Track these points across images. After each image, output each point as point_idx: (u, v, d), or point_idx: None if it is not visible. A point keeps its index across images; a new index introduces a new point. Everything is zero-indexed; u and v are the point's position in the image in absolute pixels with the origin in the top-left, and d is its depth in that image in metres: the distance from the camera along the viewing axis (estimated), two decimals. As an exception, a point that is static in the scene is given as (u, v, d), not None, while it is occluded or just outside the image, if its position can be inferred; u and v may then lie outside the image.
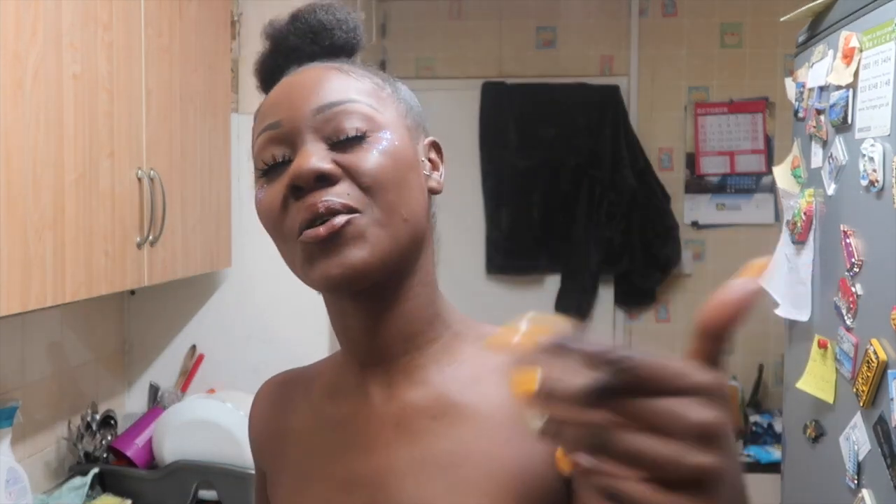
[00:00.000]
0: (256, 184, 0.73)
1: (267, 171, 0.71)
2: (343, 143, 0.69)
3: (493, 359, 0.73)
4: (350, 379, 0.77)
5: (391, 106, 0.74)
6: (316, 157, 0.67)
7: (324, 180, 0.67)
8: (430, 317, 0.76)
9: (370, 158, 0.68)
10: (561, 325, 0.43)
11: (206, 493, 1.93)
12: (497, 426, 0.70)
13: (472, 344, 0.76)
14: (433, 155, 0.81)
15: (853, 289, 1.51)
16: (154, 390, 2.28)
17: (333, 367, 0.82)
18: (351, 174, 0.68)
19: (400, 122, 0.74)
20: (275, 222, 0.70)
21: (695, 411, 0.38)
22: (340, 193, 0.66)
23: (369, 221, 0.67)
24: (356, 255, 0.66)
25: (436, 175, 0.79)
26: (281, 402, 0.86)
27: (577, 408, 0.39)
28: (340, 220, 0.66)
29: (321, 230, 0.65)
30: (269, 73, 0.80)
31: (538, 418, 0.41)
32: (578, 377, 0.39)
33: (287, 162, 0.70)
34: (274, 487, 0.81)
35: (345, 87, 0.72)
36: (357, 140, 0.69)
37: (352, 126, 0.69)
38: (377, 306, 0.73)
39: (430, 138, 0.81)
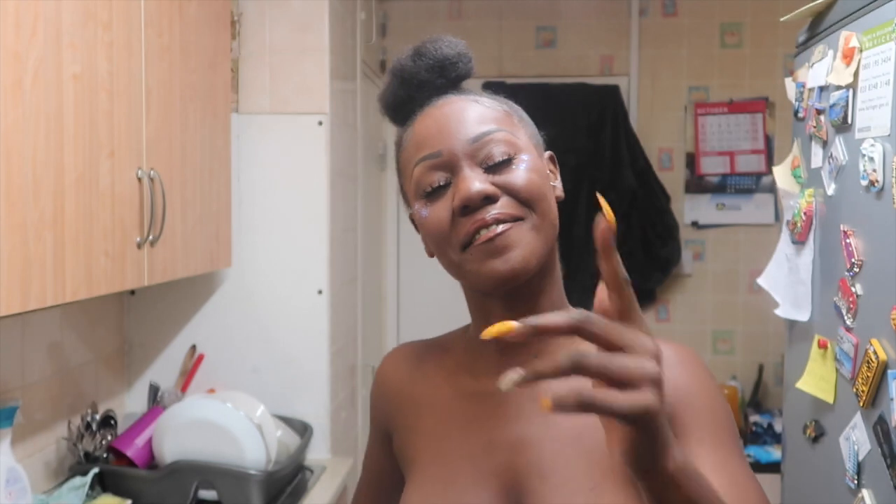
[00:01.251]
0: (415, 202, 0.87)
1: (429, 194, 0.85)
2: (495, 167, 0.84)
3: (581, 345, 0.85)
4: (489, 360, 0.90)
5: (521, 129, 0.89)
6: (478, 180, 0.82)
7: (488, 199, 0.82)
8: (559, 308, 0.89)
9: (520, 176, 0.83)
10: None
11: (206, 493, 1.93)
12: None
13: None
14: (552, 166, 0.94)
15: (853, 289, 1.51)
16: (154, 390, 2.28)
17: (468, 346, 0.94)
18: (508, 191, 0.83)
19: (530, 142, 0.89)
20: (444, 235, 0.84)
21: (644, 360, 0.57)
22: (504, 206, 0.82)
23: (528, 226, 0.83)
24: (518, 255, 0.81)
25: (558, 184, 0.93)
26: (414, 371, 0.98)
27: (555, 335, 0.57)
28: (504, 226, 0.81)
29: (492, 235, 0.81)
30: (400, 105, 0.92)
31: (513, 374, 0.55)
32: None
33: (446, 185, 0.84)
34: (405, 446, 0.94)
35: (487, 118, 0.86)
36: (506, 163, 0.84)
37: (500, 151, 0.84)
38: (521, 300, 0.86)
39: (549, 152, 0.94)
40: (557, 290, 0.90)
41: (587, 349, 0.82)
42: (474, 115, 0.86)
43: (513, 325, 0.56)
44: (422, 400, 0.94)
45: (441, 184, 0.84)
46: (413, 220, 0.91)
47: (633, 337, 0.57)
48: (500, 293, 0.85)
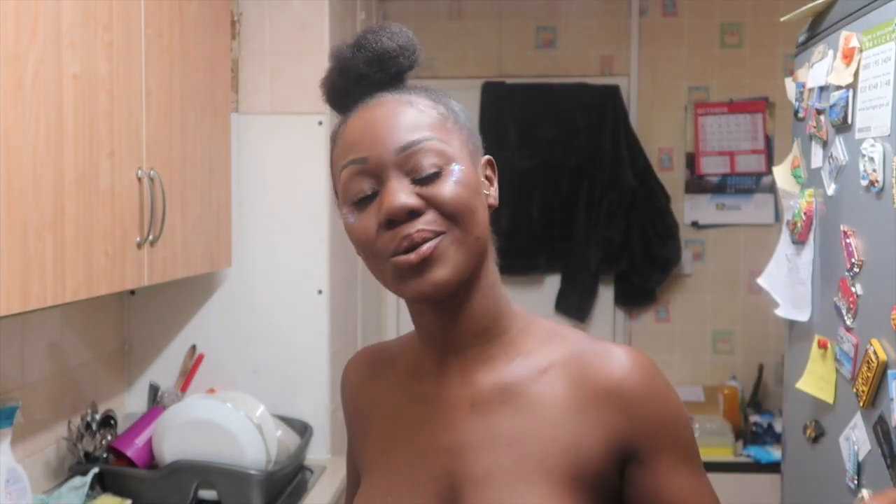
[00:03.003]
0: (343, 208, 0.85)
1: (356, 203, 0.83)
2: (425, 179, 0.81)
3: (555, 353, 0.88)
4: (431, 364, 0.90)
5: (455, 136, 0.86)
6: (404, 193, 0.80)
7: (413, 213, 0.80)
8: (496, 314, 0.89)
9: (447, 190, 0.81)
10: None
11: (206, 493, 1.93)
12: (557, 412, 0.84)
13: (536, 338, 0.89)
14: (489, 172, 0.92)
15: (853, 289, 1.51)
16: (154, 390, 2.28)
17: (414, 350, 0.94)
18: (434, 204, 0.81)
19: (464, 149, 0.86)
20: (368, 245, 0.83)
21: None
22: (428, 222, 0.80)
23: (450, 241, 0.81)
24: (441, 274, 0.80)
25: (493, 191, 0.90)
26: (370, 374, 0.98)
27: None
28: (428, 247, 0.80)
29: (413, 257, 0.80)
30: (340, 96, 0.89)
31: None
32: None
33: (373, 195, 0.82)
34: (360, 449, 0.95)
35: (419, 125, 0.83)
36: (434, 176, 0.81)
37: (429, 163, 0.82)
38: (451, 309, 0.86)
39: (486, 157, 0.92)
40: (489, 293, 0.89)
41: (571, 348, 0.88)
42: (406, 121, 0.83)
43: None
44: (375, 404, 0.95)
45: (368, 193, 0.82)
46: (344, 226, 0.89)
47: None
48: (430, 305, 0.86)
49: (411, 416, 0.89)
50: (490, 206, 0.88)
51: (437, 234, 0.80)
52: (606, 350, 0.87)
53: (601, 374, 0.85)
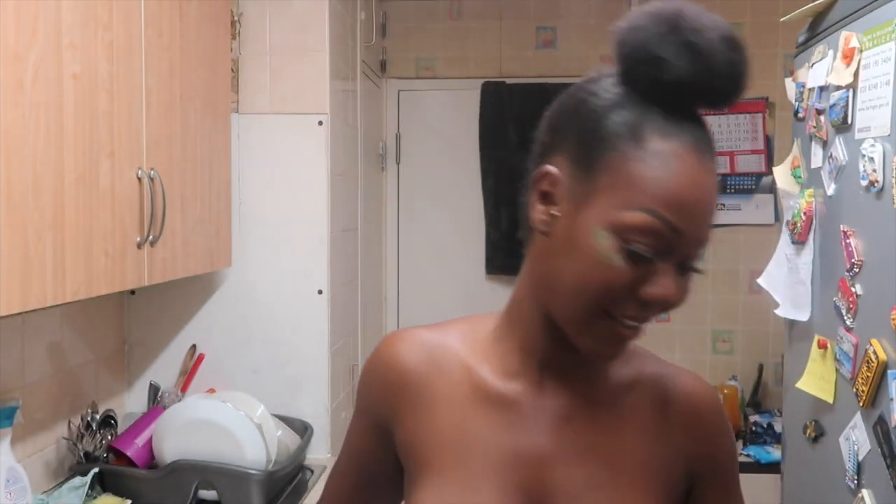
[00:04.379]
0: (606, 227, 0.73)
1: (631, 253, 0.73)
2: (689, 269, 0.77)
3: (638, 372, 0.88)
4: (522, 369, 0.85)
5: None
6: (679, 287, 0.76)
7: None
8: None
9: (688, 291, 0.78)
10: None
11: (206, 493, 1.93)
12: (645, 431, 0.84)
13: (630, 355, 0.88)
14: None
15: (853, 289, 1.51)
16: (154, 390, 2.28)
17: (488, 342, 0.88)
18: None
19: None
20: (606, 291, 0.74)
21: None
22: (667, 312, 0.81)
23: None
24: (623, 348, 0.80)
25: None
26: (428, 362, 0.89)
27: None
28: (642, 330, 0.78)
29: (627, 333, 0.77)
30: (679, 89, 0.72)
31: None
32: None
33: (648, 259, 0.73)
34: (415, 442, 0.87)
35: (715, 205, 0.77)
36: (693, 270, 0.78)
37: (699, 257, 0.78)
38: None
39: None
40: None
41: (650, 368, 0.89)
42: (714, 208, 0.76)
43: None
44: (437, 394, 0.86)
45: (648, 256, 0.72)
46: (570, 232, 0.76)
47: None
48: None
49: (492, 418, 0.84)
50: None
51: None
52: (684, 376, 0.89)
53: (682, 401, 0.87)
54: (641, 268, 0.73)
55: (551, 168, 0.77)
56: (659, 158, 0.72)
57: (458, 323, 0.93)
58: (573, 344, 0.80)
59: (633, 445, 0.83)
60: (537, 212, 0.79)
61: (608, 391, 0.86)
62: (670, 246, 0.73)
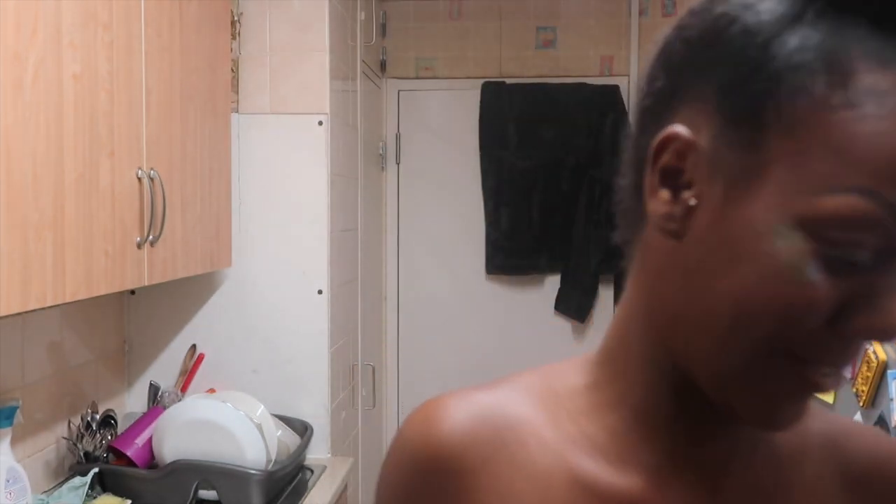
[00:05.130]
0: (797, 242, 0.45)
1: (832, 252, 0.45)
2: None
3: (812, 427, 0.59)
4: (645, 445, 0.55)
5: None
6: None
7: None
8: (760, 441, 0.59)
9: None
10: None
11: (206, 493, 1.93)
12: (834, 499, 0.57)
13: None
14: None
15: (853, 289, 1.51)
16: (154, 390, 2.28)
17: (598, 418, 0.57)
18: None
19: None
20: (794, 322, 0.46)
21: None
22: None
23: None
24: (805, 409, 0.51)
25: None
26: (491, 444, 0.56)
27: None
28: (839, 379, 0.49)
29: (825, 382, 0.48)
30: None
31: None
32: None
33: (866, 269, 0.45)
34: None
35: None
36: None
37: None
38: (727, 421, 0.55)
39: None
40: None
41: (818, 425, 0.59)
42: None
43: None
44: (511, 494, 0.55)
45: (865, 262, 0.44)
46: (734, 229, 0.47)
47: None
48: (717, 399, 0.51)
49: None
50: None
51: None
52: (869, 436, 0.61)
53: (875, 472, 0.58)
54: (851, 282, 0.45)
55: (681, 130, 0.49)
56: (879, 103, 0.43)
57: (524, 379, 0.60)
58: (722, 408, 0.52)
59: None
60: (659, 201, 0.51)
61: (772, 468, 0.57)
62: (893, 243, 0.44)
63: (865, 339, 0.47)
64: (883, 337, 0.46)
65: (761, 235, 0.46)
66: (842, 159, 0.44)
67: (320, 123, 2.34)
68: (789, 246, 0.45)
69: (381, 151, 3.47)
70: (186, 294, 2.34)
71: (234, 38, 2.31)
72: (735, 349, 0.48)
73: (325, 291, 2.35)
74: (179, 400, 2.21)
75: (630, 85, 3.45)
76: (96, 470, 1.89)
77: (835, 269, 0.45)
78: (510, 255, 3.42)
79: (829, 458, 0.58)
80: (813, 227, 0.44)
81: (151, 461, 2.03)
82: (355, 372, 2.79)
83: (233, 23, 2.29)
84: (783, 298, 0.45)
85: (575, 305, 3.38)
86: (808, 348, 0.46)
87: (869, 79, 0.43)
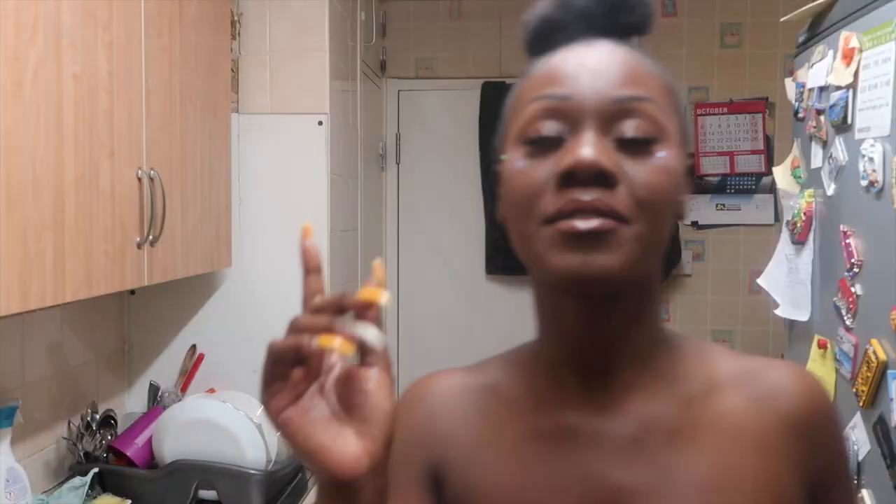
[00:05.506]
0: (512, 149, 0.67)
1: (533, 142, 0.65)
2: (629, 144, 0.64)
3: (716, 371, 0.72)
4: (563, 387, 0.71)
5: (675, 116, 0.68)
6: (602, 152, 0.62)
7: (601, 179, 0.61)
8: (655, 332, 0.73)
9: (652, 170, 0.63)
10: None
11: (206, 493, 1.93)
12: (737, 444, 0.68)
13: (690, 356, 0.74)
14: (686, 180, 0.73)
15: (853, 289, 1.51)
16: (154, 390, 2.28)
17: (530, 370, 0.74)
18: (628, 181, 0.62)
19: (679, 136, 0.67)
20: (529, 200, 0.64)
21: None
22: (618, 200, 0.62)
23: (632, 235, 0.62)
24: (605, 260, 0.62)
25: (685, 199, 0.71)
26: (466, 405, 0.76)
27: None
28: (605, 224, 0.61)
29: (580, 224, 0.61)
30: (546, 32, 0.71)
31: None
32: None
33: (557, 141, 0.64)
34: (467, 498, 0.72)
35: (643, 80, 0.66)
36: (643, 144, 0.64)
37: (643, 128, 0.64)
38: (614, 317, 0.68)
39: (689, 161, 0.75)
40: (657, 311, 0.74)
41: (729, 364, 0.72)
42: (628, 70, 0.66)
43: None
44: (481, 441, 0.73)
45: (551, 135, 0.64)
46: (499, 176, 0.70)
47: None
48: (574, 298, 0.67)
49: (546, 456, 0.69)
50: (679, 217, 0.70)
51: (619, 218, 0.62)
52: (777, 370, 0.72)
53: (783, 400, 0.70)
54: (549, 158, 0.64)
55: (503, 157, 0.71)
56: (538, 66, 0.69)
57: (496, 358, 0.80)
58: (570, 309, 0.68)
59: (727, 467, 0.67)
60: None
61: (683, 401, 0.70)
62: (568, 116, 0.64)
63: (568, 179, 0.62)
64: (576, 168, 0.62)
65: (502, 167, 0.69)
66: (522, 99, 0.68)
67: (320, 123, 2.34)
68: (508, 158, 0.67)
69: (381, 151, 3.47)
70: (186, 294, 2.34)
71: (234, 38, 2.31)
72: (523, 241, 0.66)
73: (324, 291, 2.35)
74: (179, 400, 2.21)
75: (630, 85, 3.45)
76: (96, 470, 1.89)
77: (537, 151, 0.65)
78: (510, 255, 3.36)
79: (744, 387, 0.71)
80: (519, 139, 0.66)
81: (151, 461, 2.03)
82: (355, 372, 2.78)
83: (233, 23, 2.29)
84: (517, 189, 0.66)
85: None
86: (552, 210, 0.63)
87: (535, 64, 0.70)
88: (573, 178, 0.62)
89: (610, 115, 0.64)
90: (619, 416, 0.69)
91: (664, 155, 0.64)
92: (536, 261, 0.65)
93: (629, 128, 0.64)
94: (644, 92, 0.65)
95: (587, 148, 0.62)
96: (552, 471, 0.69)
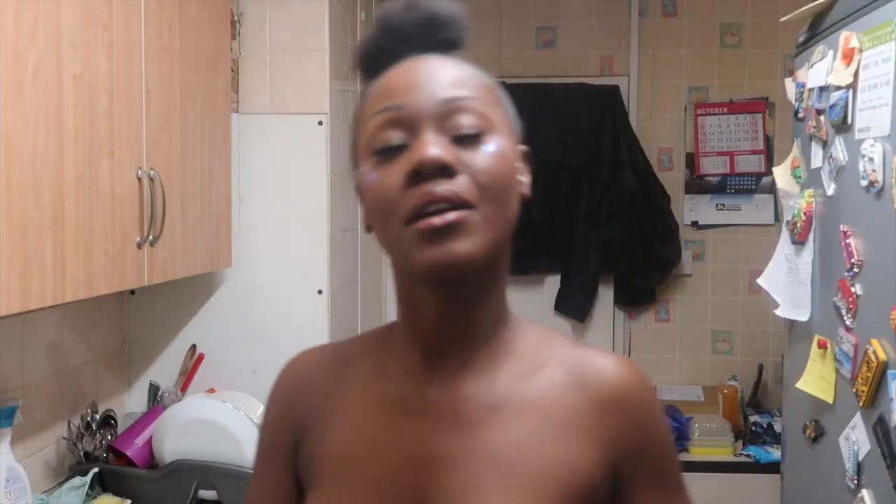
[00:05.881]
0: (364, 162, 0.75)
1: (381, 152, 0.74)
2: (462, 139, 0.73)
3: (549, 356, 0.80)
4: (407, 362, 0.80)
5: (500, 109, 0.79)
6: (439, 146, 0.71)
7: (445, 171, 0.70)
8: (497, 314, 0.80)
9: (486, 157, 0.73)
10: None
11: (206, 493, 1.93)
12: (551, 421, 0.76)
13: (529, 341, 0.81)
14: (523, 162, 0.83)
15: (853, 289, 1.51)
16: (154, 390, 2.28)
17: (384, 346, 0.83)
18: (469, 170, 0.72)
19: (506, 126, 0.78)
20: (387, 205, 0.72)
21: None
22: (461, 187, 0.70)
23: (480, 219, 0.71)
24: (463, 247, 0.70)
25: (525, 180, 0.82)
26: (326, 377, 0.85)
27: None
28: (454, 215, 0.70)
29: (436, 220, 0.69)
30: (376, 57, 0.80)
31: None
32: None
33: (401, 147, 0.73)
34: (310, 460, 0.82)
35: (464, 82, 0.76)
36: (474, 138, 0.73)
37: (471, 123, 0.73)
38: (458, 300, 0.77)
39: (524, 147, 0.84)
40: (501, 293, 0.82)
41: (561, 351, 0.81)
42: (451, 76, 0.76)
43: None
44: (333, 409, 0.81)
45: (396, 143, 0.73)
46: (358, 189, 0.79)
47: None
48: (434, 286, 0.75)
49: (378, 424, 0.78)
50: (522, 196, 0.80)
51: (465, 204, 0.70)
52: (603, 358, 0.81)
53: (600, 383, 0.78)
54: (396, 163, 0.72)
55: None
56: (374, 85, 0.78)
57: (362, 335, 0.89)
58: (431, 303, 0.76)
59: (533, 440, 0.74)
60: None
61: (510, 381, 0.78)
62: (406, 123, 0.73)
63: (417, 177, 0.70)
64: (421, 165, 0.70)
65: (358, 178, 0.77)
66: (365, 116, 0.77)
67: (320, 123, 2.34)
68: (361, 171, 0.75)
69: (381, 151, 3.47)
70: (186, 294, 2.34)
71: (234, 38, 2.31)
72: (388, 241, 0.74)
73: (325, 291, 2.35)
74: (179, 400, 2.21)
75: (630, 85, 3.45)
76: (96, 470, 1.89)
77: (384, 160, 0.73)
78: (510, 254, 3.41)
79: (566, 375, 0.78)
80: (368, 152, 0.75)
81: (151, 461, 2.03)
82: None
83: (233, 23, 2.29)
84: (374, 196, 0.74)
85: (575, 305, 3.38)
86: (409, 208, 0.70)
87: (375, 85, 0.79)
88: (420, 174, 0.70)
89: (441, 116, 0.73)
90: (447, 391, 0.77)
91: (495, 143, 0.74)
92: (404, 259, 0.73)
93: (460, 124, 0.73)
94: (467, 92, 0.75)
95: (427, 146, 0.70)
96: (381, 437, 0.77)
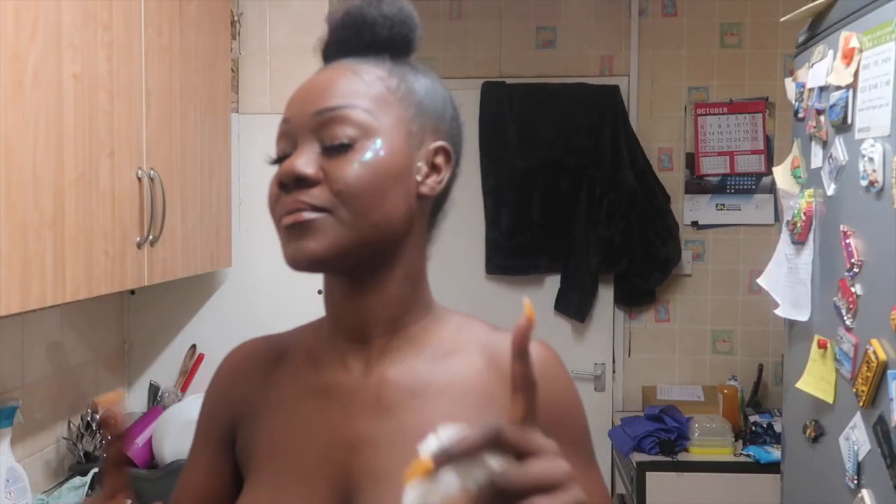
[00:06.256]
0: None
1: (276, 162, 0.81)
2: (333, 149, 0.77)
3: (465, 341, 0.84)
4: (333, 350, 0.84)
5: (394, 111, 0.80)
6: (303, 160, 0.76)
7: (303, 182, 0.76)
8: (410, 304, 0.84)
9: (349, 168, 0.76)
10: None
11: (205, 493, 1.93)
12: (467, 401, 0.80)
13: (447, 328, 0.85)
14: (438, 159, 0.83)
15: (853, 289, 1.51)
16: (154, 390, 2.28)
17: (316, 336, 0.88)
18: (327, 179, 0.76)
19: (400, 128, 0.79)
20: (271, 208, 0.80)
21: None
22: (314, 196, 0.76)
23: (334, 221, 0.76)
24: (310, 245, 0.76)
25: (431, 180, 0.83)
26: (263, 366, 0.89)
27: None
28: (305, 216, 0.76)
29: (287, 219, 0.77)
30: (323, 58, 0.87)
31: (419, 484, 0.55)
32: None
33: (288, 157, 0.78)
34: (245, 447, 0.86)
35: (348, 92, 0.79)
36: (343, 148, 0.77)
37: (343, 133, 0.77)
38: (358, 289, 0.82)
39: (439, 143, 0.84)
40: (410, 285, 0.83)
41: (477, 335, 0.85)
42: (336, 87, 0.79)
43: (428, 464, 0.56)
44: (269, 397, 0.86)
45: (283, 154, 0.80)
46: None
47: (541, 441, 0.57)
48: (338, 277, 0.83)
49: (308, 410, 0.82)
50: (423, 195, 0.81)
51: (319, 210, 0.76)
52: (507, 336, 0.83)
53: (504, 351, 0.78)
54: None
55: None
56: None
57: (300, 326, 0.94)
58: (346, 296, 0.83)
59: (448, 419, 0.75)
60: None
61: (428, 365, 0.82)
62: (291, 136, 0.79)
63: (284, 187, 0.77)
64: (281, 178, 0.76)
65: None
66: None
67: (320, 123, 2.34)
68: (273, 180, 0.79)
69: (381, 151, 3.47)
70: (186, 294, 2.34)
71: (234, 38, 2.31)
72: (279, 236, 0.80)
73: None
74: (179, 400, 2.21)
75: (630, 85, 3.45)
76: (96, 470, 1.89)
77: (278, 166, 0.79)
78: (510, 255, 3.41)
79: (484, 353, 0.83)
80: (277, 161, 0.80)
81: (151, 461, 2.03)
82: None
83: (233, 23, 2.29)
84: (268, 199, 0.80)
85: (575, 305, 3.38)
86: (278, 213, 0.78)
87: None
88: (285, 186, 0.77)
89: (314, 128, 0.78)
90: (370, 377, 0.81)
91: (369, 151, 0.77)
92: (283, 253, 0.80)
93: (331, 134, 0.77)
94: (342, 101, 0.78)
95: (293, 160, 0.76)
96: (308, 422, 0.81)
